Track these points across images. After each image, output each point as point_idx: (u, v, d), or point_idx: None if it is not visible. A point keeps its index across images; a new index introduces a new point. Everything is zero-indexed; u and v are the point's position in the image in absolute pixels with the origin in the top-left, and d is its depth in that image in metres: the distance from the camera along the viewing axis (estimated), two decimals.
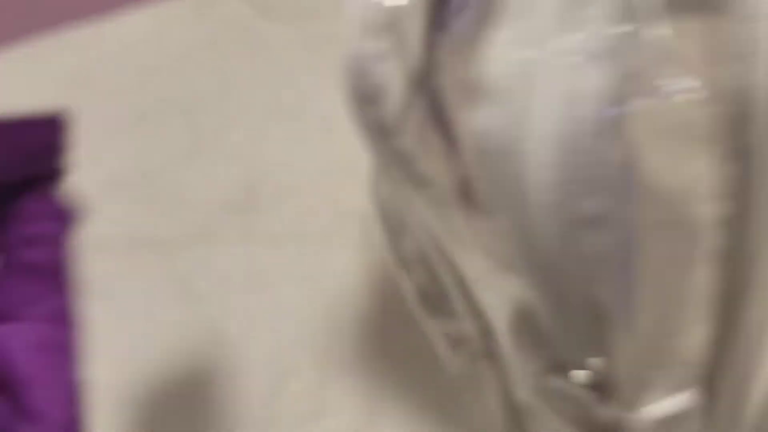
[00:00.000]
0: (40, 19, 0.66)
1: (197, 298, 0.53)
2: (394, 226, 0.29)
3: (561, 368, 0.18)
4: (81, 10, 0.67)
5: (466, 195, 0.20)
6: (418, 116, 0.20)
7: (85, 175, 0.58)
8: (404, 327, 0.45)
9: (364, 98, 0.20)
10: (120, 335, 0.52)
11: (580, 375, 0.19)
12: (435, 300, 0.25)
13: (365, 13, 0.18)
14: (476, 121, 0.18)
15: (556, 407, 0.19)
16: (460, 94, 0.19)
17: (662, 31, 0.17)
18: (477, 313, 0.22)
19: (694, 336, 0.19)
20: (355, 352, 0.50)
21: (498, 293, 0.20)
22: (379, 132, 0.20)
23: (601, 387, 0.18)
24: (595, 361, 0.18)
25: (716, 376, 0.19)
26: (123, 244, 0.55)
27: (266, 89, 0.63)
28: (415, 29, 0.20)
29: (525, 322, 0.19)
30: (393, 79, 0.19)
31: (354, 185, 0.57)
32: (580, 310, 0.18)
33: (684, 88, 0.17)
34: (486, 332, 0.23)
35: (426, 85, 0.20)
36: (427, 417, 0.45)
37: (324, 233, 0.55)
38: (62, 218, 0.26)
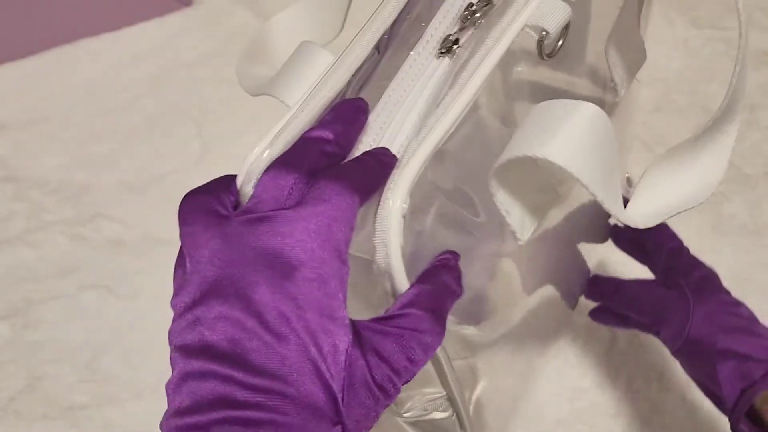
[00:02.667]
0: (58, 31, 0.68)
1: None
2: None
3: None
4: (97, 24, 0.69)
5: None
6: None
7: (101, 178, 0.61)
8: None
9: None
10: (135, 329, 0.55)
11: None
12: None
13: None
14: None
15: None
16: None
17: None
18: None
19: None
20: None
21: None
22: None
23: None
24: None
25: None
26: (138, 244, 0.58)
27: (272, 96, 0.64)
28: None
29: None
30: None
31: None
32: None
33: None
34: None
35: None
36: None
37: None
38: None
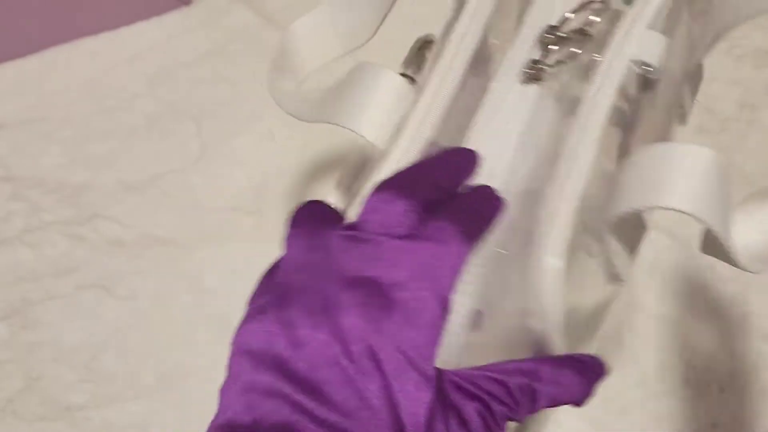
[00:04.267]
0: (57, 30, 0.68)
1: (207, 295, 0.55)
2: None
3: None
4: (96, 23, 0.68)
5: None
6: None
7: (100, 177, 0.61)
8: None
9: None
10: (134, 329, 0.54)
11: None
12: None
13: None
14: None
15: None
16: None
17: None
18: None
19: None
20: None
21: None
22: None
23: None
24: None
25: None
26: (137, 244, 0.57)
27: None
28: None
29: None
30: None
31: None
32: None
33: None
34: None
35: None
36: None
37: None
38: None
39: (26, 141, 0.63)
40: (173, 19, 0.70)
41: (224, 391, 0.21)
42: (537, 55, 0.26)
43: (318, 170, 0.60)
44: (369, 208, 0.21)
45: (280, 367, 0.19)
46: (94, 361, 0.53)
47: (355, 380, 0.19)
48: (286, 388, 0.19)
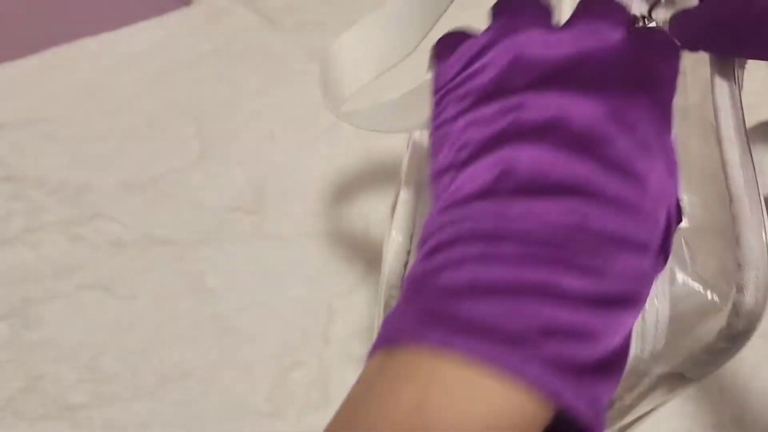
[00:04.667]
0: (57, 30, 0.68)
1: (207, 295, 0.55)
2: None
3: None
4: (96, 23, 0.68)
5: None
6: None
7: (100, 177, 0.61)
8: None
9: None
10: (134, 329, 0.54)
11: None
12: None
13: None
14: None
15: None
16: None
17: None
18: None
19: None
20: (358, 344, 0.52)
21: None
22: None
23: None
24: None
25: None
26: (137, 244, 0.57)
27: (272, 97, 0.64)
28: None
29: None
30: None
31: (356, 188, 0.59)
32: None
33: None
34: None
35: None
36: None
37: (327, 233, 0.57)
38: None
39: (27, 141, 0.64)
40: (173, 19, 0.70)
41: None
42: (644, 11, 0.27)
43: (318, 170, 0.60)
44: (577, 11, 0.23)
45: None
46: (95, 361, 0.53)
47: (633, 159, 0.20)
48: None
